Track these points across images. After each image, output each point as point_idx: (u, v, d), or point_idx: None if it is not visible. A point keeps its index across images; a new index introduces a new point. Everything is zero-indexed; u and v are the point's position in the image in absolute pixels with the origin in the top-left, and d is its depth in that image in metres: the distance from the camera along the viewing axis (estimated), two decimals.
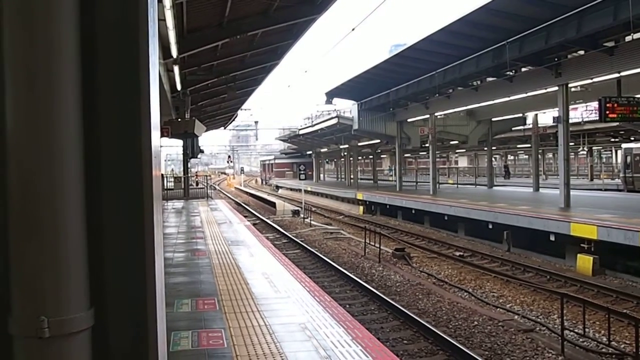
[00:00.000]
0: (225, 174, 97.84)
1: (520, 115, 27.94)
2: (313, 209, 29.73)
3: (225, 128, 50.62)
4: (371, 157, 52.85)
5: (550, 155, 53.13)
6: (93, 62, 1.11)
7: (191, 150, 26.92)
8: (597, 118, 19.21)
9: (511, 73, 19.39)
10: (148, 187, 1.14)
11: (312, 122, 46.23)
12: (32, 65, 1.04)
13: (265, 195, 41.51)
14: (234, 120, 45.77)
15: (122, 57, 1.12)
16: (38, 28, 1.04)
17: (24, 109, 1.04)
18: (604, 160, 52.94)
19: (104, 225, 1.14)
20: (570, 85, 17.19)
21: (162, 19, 10.02)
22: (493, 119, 28.50)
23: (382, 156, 65.18)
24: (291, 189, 47.97)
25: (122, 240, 1.14)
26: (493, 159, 37.14)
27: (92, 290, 1.11)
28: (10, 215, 1.06)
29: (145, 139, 1.14)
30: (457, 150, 53.93)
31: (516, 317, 9.70)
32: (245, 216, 22.69)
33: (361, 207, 30.26)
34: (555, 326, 8.91)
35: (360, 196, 30.37)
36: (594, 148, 44.60)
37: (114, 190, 1.14)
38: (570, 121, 18.02)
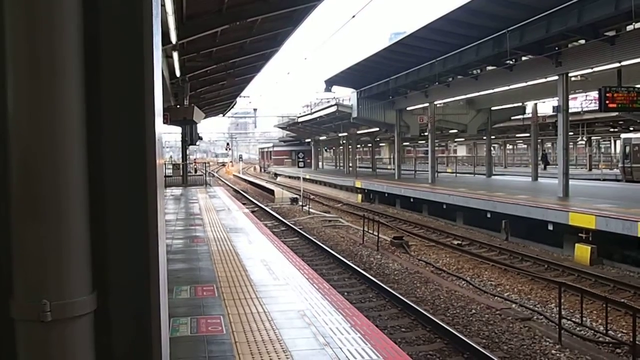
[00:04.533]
0: (220, 163, 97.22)
1: (520, 104, 27.89)
2: (311, 196, 29.72)
3: (224, 115, 50.44)
4: (370, 145, 52.75)
5: (549, 144, 53.07)
6: (96, 44, 1.09)
7: (190, 137, 26.90)
8: (597, 108, 19.22)
9: (511, 62, 19.32)
10: (152, 173, 1.13)
11: (311, 109, 46.13)
12: (35, 47, 1.02)
13: (263, 183, 41.50)
14: (232, 107, 45.64)
15: (126, 37, 1.10)
16: (40, 9, 1.02)
17: (27, 92, 1.03)
18: (602, 150, 52.91)
19: (107, 209, 1.12)
20: (570, 74, 17.13)
21: (161, 4, 9.94)
22: (492, 108, 28.43)
23: (381, 144, 65.06)
24: (290, 177, 47.97)
25: (124, 225, 1.13)
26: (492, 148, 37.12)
27: (95, 274, 1.10)
28: (12, 199, 1.04)
29: (149, 124, 1.12)
30: (456, 139, 53.82)
31: (514, 305, 9.75)
32: (243, 203, 22.69)
33: (360, 195, 30.27)
34: (553, 315, 8.96)
35: (358, 184, 30.38)
36: (592, 138, 44.56)
37: (117, 175, 1.13)
38: (570, 111, 17.99)
